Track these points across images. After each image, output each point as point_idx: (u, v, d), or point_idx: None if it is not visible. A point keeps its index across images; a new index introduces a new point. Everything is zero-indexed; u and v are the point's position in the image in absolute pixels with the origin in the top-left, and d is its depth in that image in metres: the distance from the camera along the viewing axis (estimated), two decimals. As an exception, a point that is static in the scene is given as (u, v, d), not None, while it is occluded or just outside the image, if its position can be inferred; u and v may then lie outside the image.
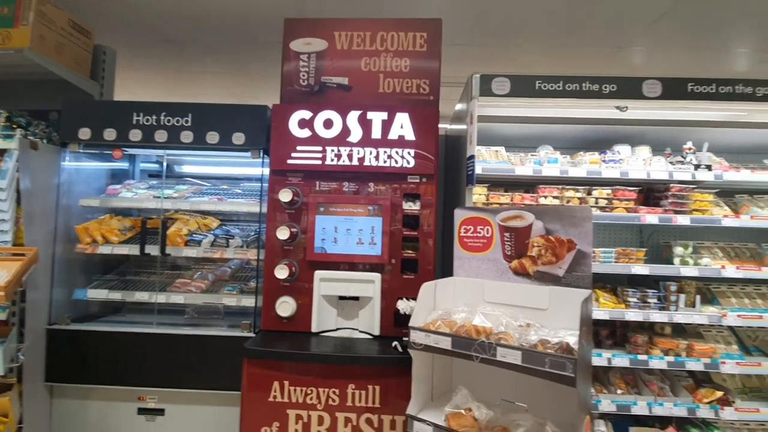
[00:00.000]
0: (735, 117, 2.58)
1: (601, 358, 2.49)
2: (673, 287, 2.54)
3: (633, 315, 2.49)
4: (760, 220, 2.54)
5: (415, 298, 1.93)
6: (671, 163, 2.59)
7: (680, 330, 2.67)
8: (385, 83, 2.57)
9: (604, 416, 2.56)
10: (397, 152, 2.40)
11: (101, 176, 2.94)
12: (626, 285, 2.69)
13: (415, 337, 1.80)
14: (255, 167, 2.58)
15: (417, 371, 1.88)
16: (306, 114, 2.43)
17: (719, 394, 2.49)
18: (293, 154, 2.42)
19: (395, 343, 2.16)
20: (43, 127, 2.73)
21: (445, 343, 1.73)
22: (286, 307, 2.34)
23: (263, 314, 2.41)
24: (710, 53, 4.01)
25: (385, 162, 2.40)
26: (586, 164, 2.60)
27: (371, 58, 2.58)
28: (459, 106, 2.92)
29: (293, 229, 2.36)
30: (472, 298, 2.02)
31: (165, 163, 2.73)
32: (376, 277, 2.35)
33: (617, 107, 2.46)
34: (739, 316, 2.48)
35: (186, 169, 3.12)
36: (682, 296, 2.53)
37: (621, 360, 2.49)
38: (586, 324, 1.66)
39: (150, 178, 3.05)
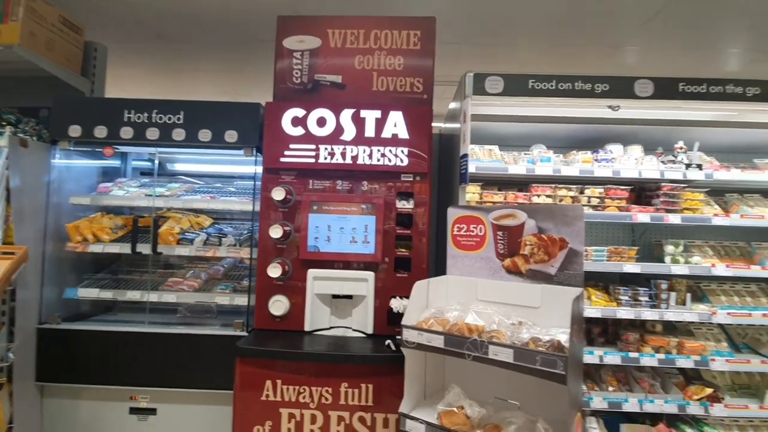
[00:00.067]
0: (726, 117, 2.60)
1: (593, 355, 2.50)
2: (664, 285, 2.56)
3: (625, 313, 2.50)
4: (749, 219, 2.57)
5: (408, 297, 1.93)
6: (663, 162, 2.61)
7: (671, 328, 2.70)
8: (379, 81, 2.57)
9: (595, 413, 2.58)
10: (390, 151, 2.40)
11: (92, 174, 2.91)
12: (618, 283, 2.71)
13: (408, 335, 1.81)
14: (248, 165, 2.57)
15: (410, 369, 1.89)
16: (299, 112, 2.43)
17: (709, 391, 2.51)
18: (286, 152, 2.41)
19: (388, 341, 2.16)
20: (33, 124, 2.70)
21: (438, 342, 1.73)
22: (279, 305, 2.34)
23: (256, 313, 2.40)
24: (703, 53, 4.04)
25: (378, 160, 2.40)
26: (579, 163, 2.61)
27: (365, 56, 2.58)
28: (453, 105, 2.92)
29: (286, 228, 2.35)
30: (465, 297, 2.03)
31: (157, 161, 2.71)
32: (370, 275, 2.35)
33: (609, 107, 2.47)
34: (728, 313, 2.51)
35: (179, 167, 3.10)
36: (673, 294, 2.55)
37: (613, 358, 2.51)
38: (578, 322, 1.67)
39: (142, 176, 3.03)
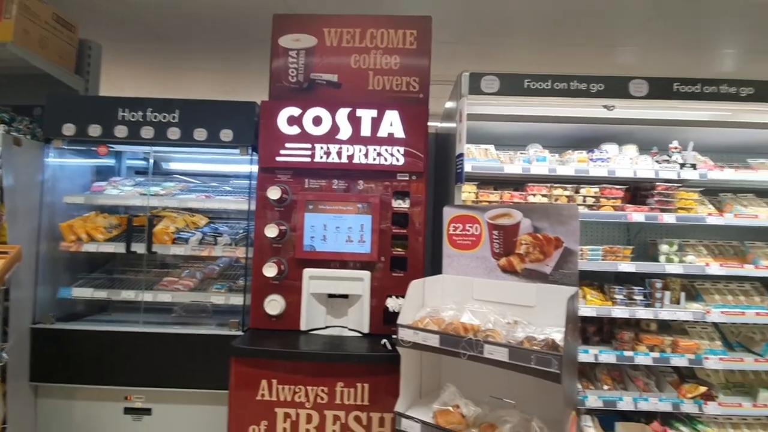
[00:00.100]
0: (720, 117, 2.61)
1: (588, 354, 2.51)
2: (659, 284, 2.57)
3: (619, 312, 2.51)
4: (743, 218, 2.58)
5: (404, 296, 1.93)
6: (657, 162, 2.62)
7: (665, 326, 2.71)
8: (375, 80, 2.56)
9: (591, 412, 2.59)
10: (386, 150, 2.40)
11: (86, 173, 2.90)
12: (613, 282, 2.72)
13: (404, 334, 1.81)
14: (243, 164, 2.56)
15: (405, 369, 1.89)
16: (295, 111, 2.42)
17: (703, 389, 2.53)
18: (282, 152, 2.41)
19: (384, 340, 2.16)
20: (27, 122, 2.68)
21: (433, 341, 1.73)
22: (274, 305, 2.33)
23: (252, 312, 2.39)
24: (700, 53, 4.06)
25: (374, 159, 2.40)
26: (574, 163, 2.62)
27: (361, 55, 2.57)
28: (449, 104, 2.92)
29: (282, 227, 2.35)
30: (461, 296, 2.03)
31: (152, 160, 2.70)
32: (366, 275, 2.35)
33: (605, 106, 2.48)
34: (722, 312, 2.52)
35: (174, 166, 3.09)
36: (668, 293, 2.56)
37: (608, 356, 2.52)
38: (572, 321, 1.67)
39: (137, 175, 3.01)
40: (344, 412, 2.06)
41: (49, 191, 2.57)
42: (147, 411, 2.46)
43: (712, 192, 2.78)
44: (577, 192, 2.62)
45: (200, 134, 2.48)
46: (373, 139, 2.40)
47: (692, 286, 2.76)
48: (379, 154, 2.40)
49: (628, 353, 2.52)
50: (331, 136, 2.41)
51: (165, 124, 2.49)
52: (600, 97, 2.47)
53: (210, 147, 2.52)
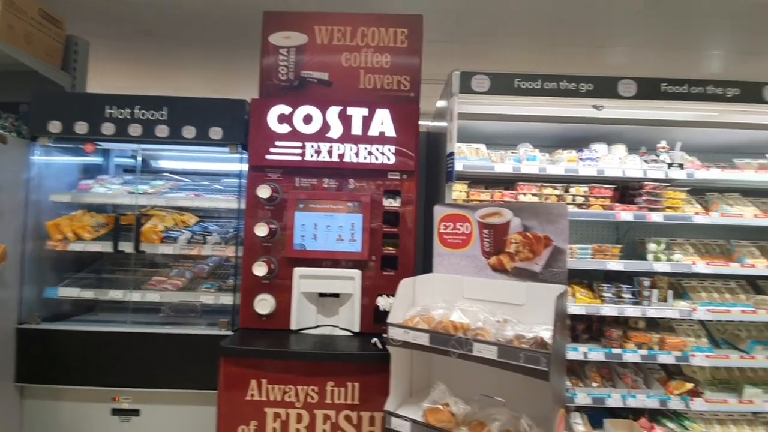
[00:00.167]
0: (706, 117, 2.65)
1: (577, 352, 2.54)
2: (647, 283, 2.60)
3: (608, 310, 2.54)
4: (729, 217, 2.62)
5: (395, 295, 1.93)
6: (646, 161, 2.65)
7: (653, 324, 2.74)
8: (366, 79, 2.56)
9: (580, 409, 2.62)
10: (377, 149, 2.40)
11: (73, 171, 2.85)
12: (602, 281, 2.75)
13: (394, 333, 1.81)
14: (233, 163, 2.54)
15: (395, 367, 1.89)
16: (285, 109, 2.40)
17: (689, 385, 2.56)
18: (272, 150, 2.39)
19: (375, 339, 2.15)
20: (13, 120, 2.64)
21: (423, 339, 1.73)
22: (264, 304, 2.32)
23: (241, 312, 2.38)
24: (691, 53, 4.11)
25: (365, 158, 2.39)
26: (564, 162, 2.64)
27: (352, 53, 2.56)
28: (440, 103, 2.93)
29: (272, 226, 2.33)
30: (452, 295, 2.04)
31: (140, 158, 2.66)
32: (356, 273, 2.35)
33: (594, 106, 2.50)
34: (708, 310, 2.56)
35: (163, 164, 3.05)
36: (655, 291, 2.59)
37: (596, 354, 2.54)
38: (561, 319, 1.68)
39: (125, 173, 2.98)
40: (334, 411, 2.06)
41: (35, 189, 2.53)
42: (135, 412, 2.43)
43: (699, 191, 2.82)
44: (566, 191, 2.64)
45: (189, 132, 2.45)
46: (364, 138, 2.40)
47: (679, 285, 2.79)
48: (369, 153, 2.39)
49: (616, 351, 2.55)
50: (321, 135, 2.40)
51: (153, 122, 2.46)
52: (589, 97, 2.48)
53: (199, 145, 2.49)
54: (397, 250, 2.39)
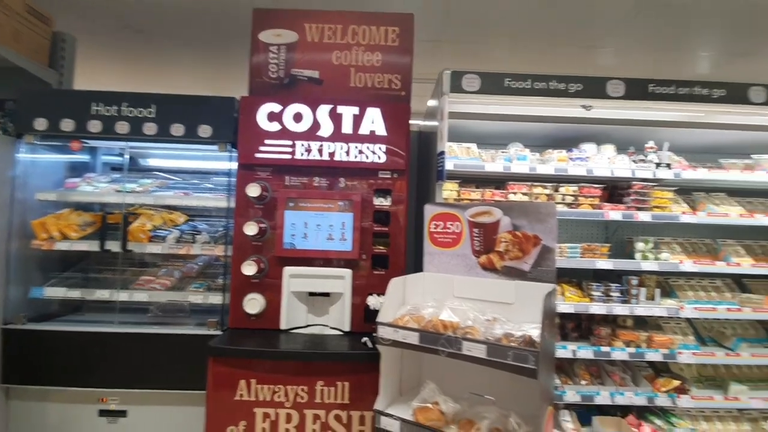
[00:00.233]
0: (693, 118, 2.68)
1: (566, 350, 2.55)
2: (635, 281, 2.63)
3: (597, 308, 2.56)
4: (715, 216, 2.66)
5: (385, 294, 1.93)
6: (634, 161, 2.68)
7: (641, 322, 2.77)
8: (357, 77, 2.55)
9: (569, 407, 2.64)
10: (368, 147, 2.39)
11: (60, 169, 2.81)
12: (591, 279, 2.77)
13: (383, 332, 1.81)
14: (222, 161, 2.52)
15: (385, 366, 1.89)
16: (275, 107, 2.39)
17: (676, 383, 2.59)
18: (262, 148, 2.38)
19: (365, 338, 2.15)
20: (-2, 117, 2.59)
21: (413, 338, 1.74)
22: (254, 304, 2.30)
23: (231, 312, 2.36)
24: (679, 54, 4.16)
25: (356, 157, 2.39)
26: (554, 162, 2.66)
27: (342, 51, 2.56)
28: (431, 103, 2.93)
29: (262, 225, 2.32)
30: (442, 294, 2.04)
31: (127, 156, 2.63)
32: (347, 272, 2.34)
33: (583, 106, 2.52)
34: (695, 308, 2.60)
35: (152, 162, 3.02)
36: (643, 290, 2.62)
37: (585, 352, 2.56)
38: (549, 317, 1.69)
39: (113, 171, 2.93)
40: (324, 411, 2.05)
41: (20, 188, 2.49)
42: (122, 413, 2.40)
43: (686, 191, 2.85)
44: (556, 190, 2.66)
45: (177, 130, 2.43)
46: (355, 137, 2.39)
47: (667, 283, 2.83)
48: (360, 152, 2.39)
49: (605, 349, 2.57)
50: (312, 133, 2.39)
51: (141, 119, 2.43)
52: (578, 97, 2.50)
53: (188, 143, 2.47)
54: (388, 249, 2.39)
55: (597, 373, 2.71)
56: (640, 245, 2.71)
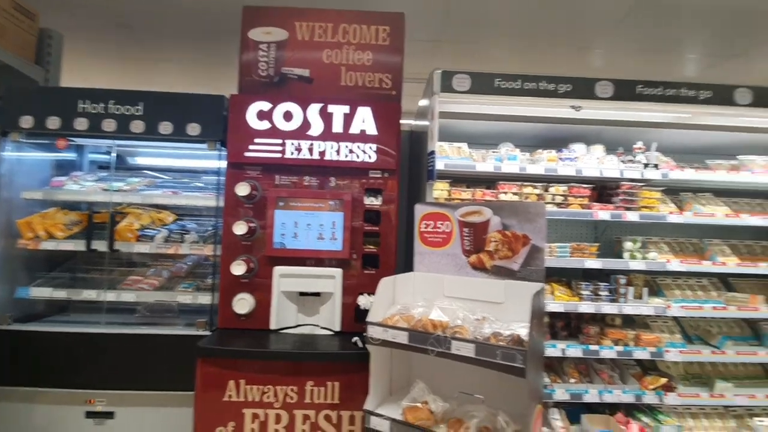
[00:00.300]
0: (680, 119, 2.70)
1: (555, 348, 2.57)
2: (623, 280, 2.65)
3: (586, 307, 2.58)
4: (701, 216, 2.70)
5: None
6: (623, 162, 2.70)
7: (629, 321, 2.80)
8: (347, 76, 2.54)
9: (558, 405, 2.66)
10: (358, 147, 2.39)
11: (46, 167, 2.77)
12: (581, 278, 2.79)
13: (373, 332, 1.81)
14: (212, 160, 2.50)
15: (375, 366, 1.89)
16: (265, 105, 2.37)
17: (663, 380, 2.63)
18: (251, 147, 2.36)
19: (355, 338, 2.14)
20: (-19, 114, 2.54)
21: (402, 338, 1.74)
22: (243, 304, 2.29)
23: (220, 312, 2.34)
24: (669, 56, 4.20)
25: (346, 156, 2.38)
26: (544, 162, 2.67)
27: (333, 50, 2.55)
28: (422, 102, 2.93)
29: (251, 224, 2.30)
30: (432, 293, 2.04)
31: (114, 154, 2.60)
32: (337, 272, 2.34)
33: (572, 107, 2.54)
34: (682, 307, 2.63)
35: (140, 161, 2.98)
36: (631, 289, 2.65)
37: (574, 350, 2.59)
38: (538, 316, 1.70)
39: (100, 169, 2.90)
40: (314, 411, 2.04)
41: (5, 186, 2.46)
42: (109, 414, 2.37)
43: (674, 191, 2.89)
44: (546, 190, 2.68)
45: (166, 128, 2.40)
46: (345, 136, 2.38)
47: (654, 282, 2.86)
48: (351, 151, 2.38)
49: (593, 347, 2.59)
50: (302, 132, 2.38)
51: (128, 117, 2.40)
52: (567, 97, 2.52)
53: (176, 141, 2.44)
54: (379, 249, 2.39)
55: (586, 371, 2.73)
56: (628, 245, 2.74)
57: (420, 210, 2.15)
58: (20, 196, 2.50)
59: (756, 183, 2.74)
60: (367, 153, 2.39)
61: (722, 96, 2.56)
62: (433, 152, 2.42)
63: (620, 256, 2.74)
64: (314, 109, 2.38)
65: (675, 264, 2.64)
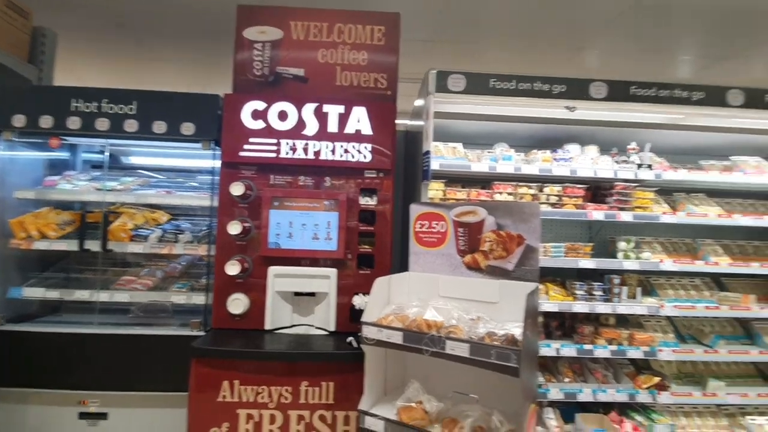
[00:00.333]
0: (674, 120, 2.73)
1: (550, 348, 2.58)
2: (617, 280, 2.67)
3: (580, 307, 2.60)
4: (694, 216, 2.71)
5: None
6: (617, 162, 2.71)
7: (623, 320, 2.82)
8: (343, 76, 2.54)
9: (553, 404, 2.67)
10: (354, 146, 2.39)
11: (39, 167, 2.75)
12: (575, 278, 2.80)
13: (367, 332, 1.80)
14: (206, 159, 2.49)
15: (370, 366, 1.89)
16: (260, 105, 2.37)
17: (657, 379, 2.64)
18: (246, 146, 2.35)
19: (350, 338, 2.14)
20: (-27, 113, 2.52)
21: (397, 338, 1.74)
22: (238, 304, 2.28)
23: (214, 312, 2.34)
24: (664, 56, 4.22)
25: (341, 156, 2.38)
26: (539, 162, 2.68)
27: (328, 49, 2.54)
28: (417, 102, 2.93)
29: (246, 224, 2.30)
30: (427, 293, 2.04)
31: (107, 153, 2.58)
32: (332, 272, 2.33)
33: (566, 107, 2.55)
34: (675, 306, 2.65)
35: (134, 160, 2.97)
36: (625, 288, 2.66)
37: (569, 350, 2.60)
38: (532, 316, 1.71)
39: (93, 169, 2.88)
40: (309, 411, 2.04)
41: (-2, 186, 2.43)
42: (103, 415, 2.36)
43: (667, 191, 2.91)
44: (541, 191, 2.69)
45: (160, 127, 2.39)
46: (341, 136, 2.38)
47: (648, 282, 2.88)
48: (346, 151, 2.38)
49: (588, 346, 2.60)
50: (297, 132, 2.37)
51: (122, 116, 2.39)
52: (562, 98, 2.53)
53: (170, 141, 2.44)
54: (374, 249, 2.39)
55: (580, 370, 2.74)
56: (622, 245, 2.75)
57: (415, 210, 2.15)
58: (13, 195, 2.49)
59: (748, 183, 2.76)
60: (362, 153, 2.39)
61: (715, 97, 2.58)
62: (428, 152, 2.42)
63: (614, 256, 2.76)
64: (309, 108, 2.38)
65: (668, 264, 2.66)
